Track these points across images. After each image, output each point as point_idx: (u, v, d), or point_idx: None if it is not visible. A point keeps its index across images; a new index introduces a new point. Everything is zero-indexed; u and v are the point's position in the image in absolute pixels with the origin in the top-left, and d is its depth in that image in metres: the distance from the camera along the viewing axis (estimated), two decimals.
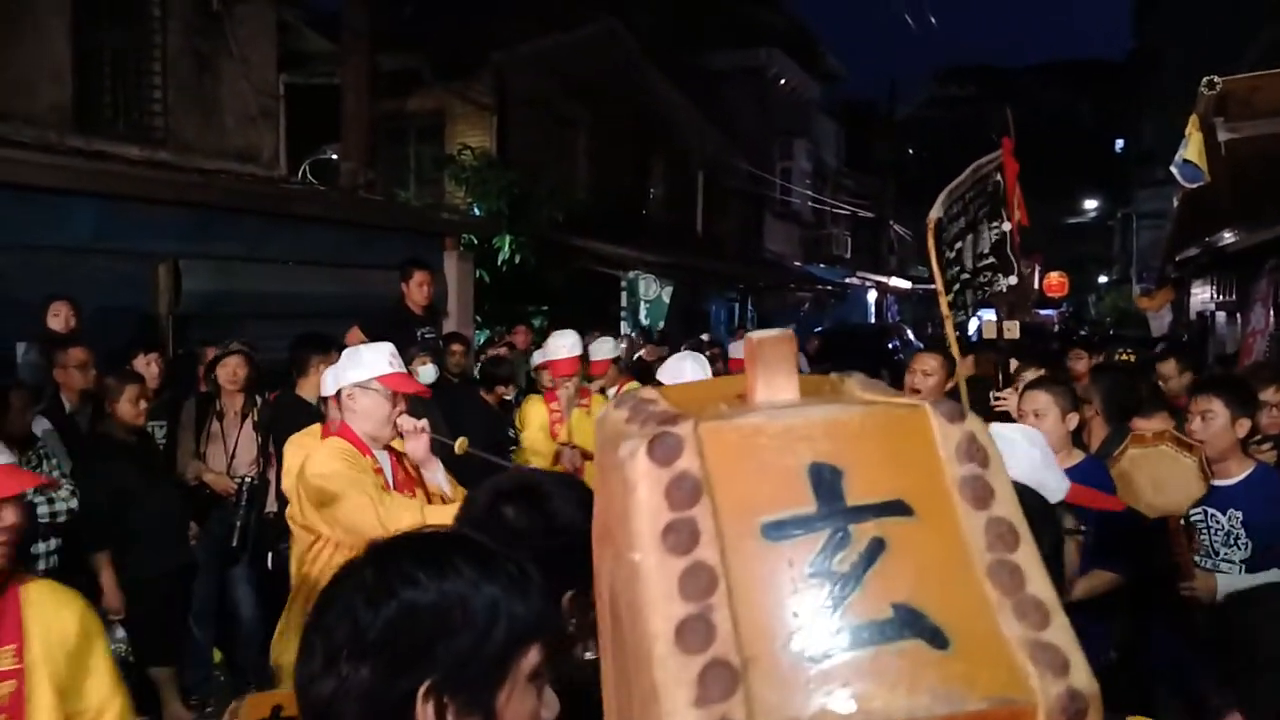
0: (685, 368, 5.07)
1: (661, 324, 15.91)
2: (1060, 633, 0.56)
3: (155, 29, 8.63)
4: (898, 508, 0.58)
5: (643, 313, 15.93)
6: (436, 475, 3.25)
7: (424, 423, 3.22)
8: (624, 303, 16.20)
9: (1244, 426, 3.77)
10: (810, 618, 0.54)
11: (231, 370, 5.36)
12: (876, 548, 0.56)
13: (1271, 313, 11.95)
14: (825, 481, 0.58)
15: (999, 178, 5.83)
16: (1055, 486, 1.89)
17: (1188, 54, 19.61)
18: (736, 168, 23.00)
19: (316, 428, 3.94)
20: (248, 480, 5.26)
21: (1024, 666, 0.54)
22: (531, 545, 1.56)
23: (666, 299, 16.27)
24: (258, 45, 9.53)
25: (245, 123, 9.35)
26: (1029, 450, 1.89)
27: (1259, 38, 15.05)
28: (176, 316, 7.49)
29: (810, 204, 28.82)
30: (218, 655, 5.64)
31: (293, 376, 5.15)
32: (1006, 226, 5.72)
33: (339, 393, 3.17)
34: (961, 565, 0.57)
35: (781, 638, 0.53)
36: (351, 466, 2.99)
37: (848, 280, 29.34)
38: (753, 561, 0.55)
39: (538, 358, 7.37)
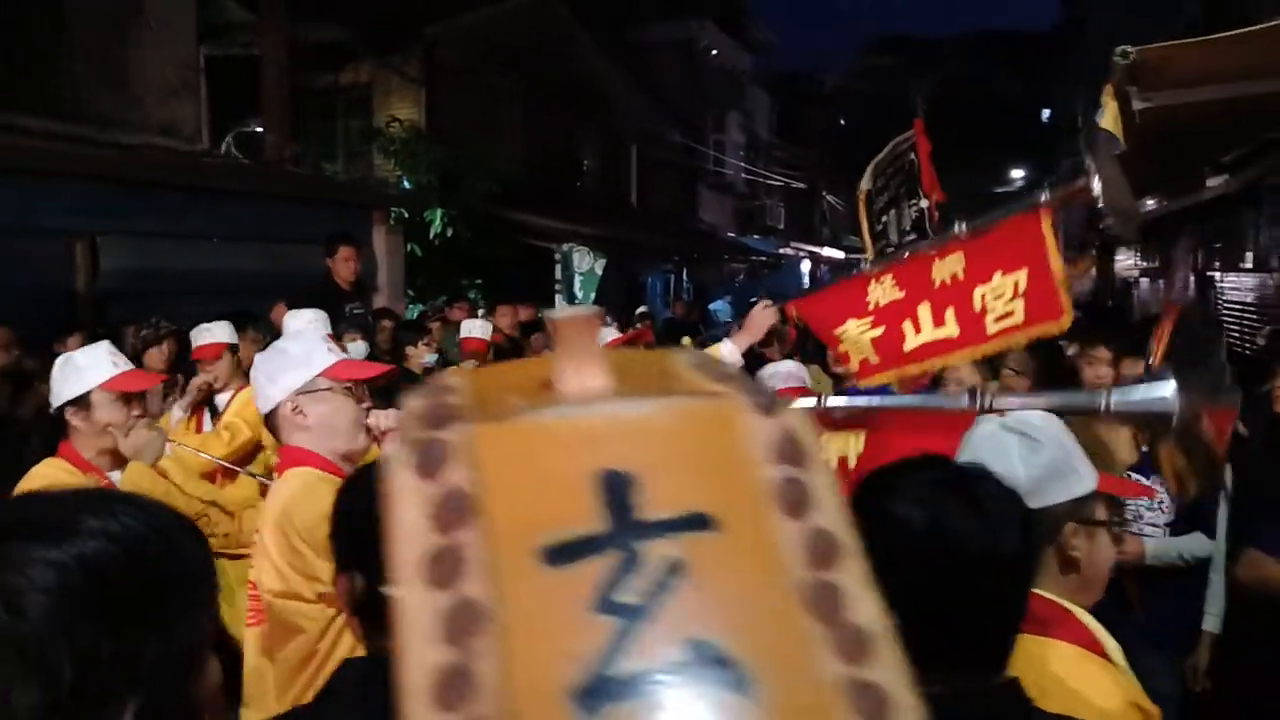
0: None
1: (594, 296, 15.90)
2: (885, 669, 0.47)
3: None
4: (700, 521, 0.49)
5: (577, 285, 15.90)
6: None
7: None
8: (558, 275, 16.15)
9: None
10: (592, 661, 0.45)
11: (164, 353, 5.22)
12: (673, 571, 0.48)
13: (1191, 277, 12.36)
14: (616, 492, 0.49)
15: (913, 156, 5.97)
16: (1087, 474, 1.74)
17: (1113, 26, 20.02)
18: (669, 139, 22.99)
19: (250, 483, 3.34)
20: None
21: (841, 714, 0.46)
22: None
23: (600, 271, 16.25)
24: (176, 15, 9.26)
25: (165, 95, 9.10)
26: (1063, 442, 1.74)
27: (1183, 10, 15.39)
28: (96, 295, 7.30)
29: (743, 175, 28.94)
30: None
31: None
32: (924, 204, 5.86)
33: (274, 411, 2.41)
34: (773, 588, 0.49)
35: (557, 687, 0.45)
36: None
37: (781, 251, 29.56)
38: (530, 594, 0.47)
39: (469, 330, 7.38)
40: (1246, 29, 5.49)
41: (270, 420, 2.45)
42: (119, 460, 2.93)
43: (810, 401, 2.60)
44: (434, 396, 0.54)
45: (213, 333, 4.55)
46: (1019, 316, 2.57)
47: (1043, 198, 2.46)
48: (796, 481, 0.52)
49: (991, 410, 2.05)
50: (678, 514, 0.49)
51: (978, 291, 2.63)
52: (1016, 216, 2.58)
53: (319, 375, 2.40)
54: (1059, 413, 2.07)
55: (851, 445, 2.55)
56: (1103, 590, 1.75)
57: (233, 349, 4.55)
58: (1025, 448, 1.69)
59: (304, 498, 2.16)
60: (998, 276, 2.59)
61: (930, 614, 1.21)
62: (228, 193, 8.60)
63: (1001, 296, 2.58)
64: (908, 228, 5.95)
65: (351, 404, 2.43)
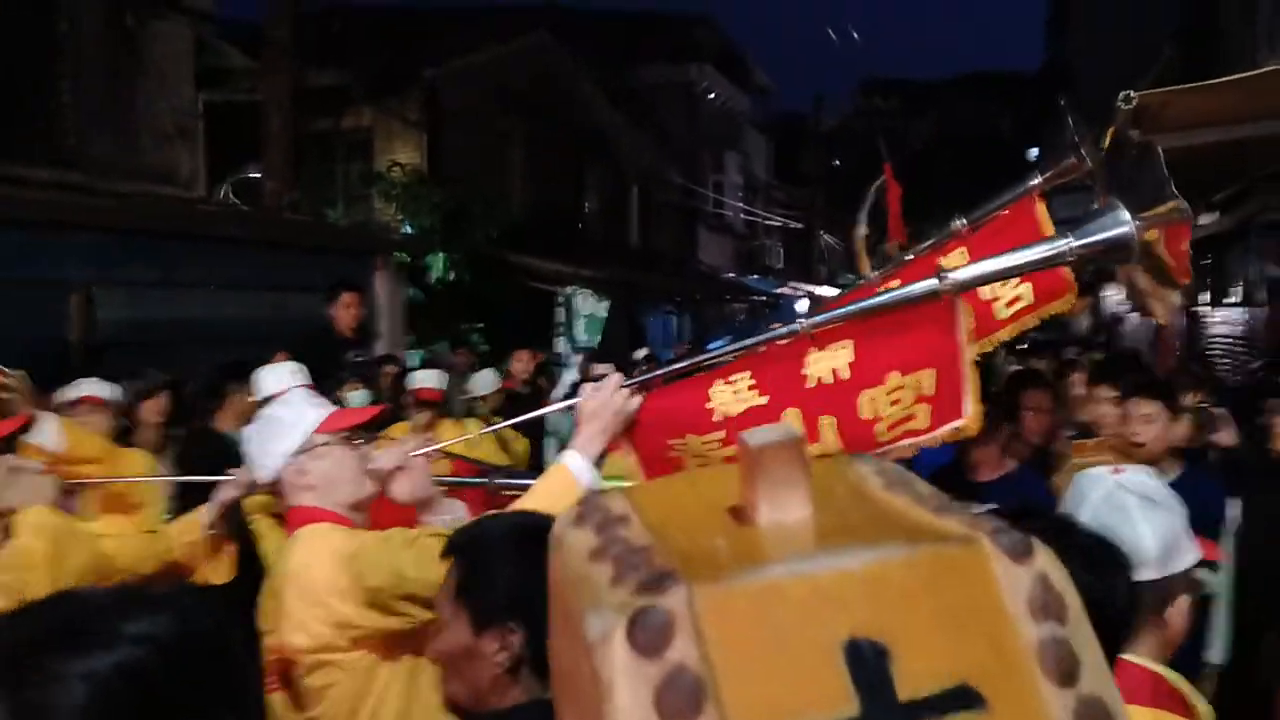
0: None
1: (598, 339, 15.77)
2: None
3: (65, 45, 8.25)
4: (965, 697, 0.44)
5: (580, 328, 15.78)
6: (442, 510, 2.43)
7: (411, 444, 2.48)
8: (560, 319, 16.03)
9: (1176, 431, 3.84)
10: None
11: (160, 405, 5.05)
12: None
13: (1184, 316, 12.38)
14: (867, 665, 0.44)
15: (881, 201, 6.08)
16: (1192, 543, 1.69)
17: (1096, 67, 20.29)
18: (670, 181, 23.02)
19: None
20: (165, 518, 4.98)
21: None
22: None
23: (603, 314, 16.13)
24: (174, 62, 9.18)
25: (162, 142, 8.99)
26: (1177, 506, 1.68)
27: (1162, 53, 15.67)
28: (91, 346, 7.13)
29: (742, 216, 29.01)
30: None
31: (208, 408, 4.89)
32: (885, 247, 5.90)
33: (277, 479, 2.36)
34: None
35: None
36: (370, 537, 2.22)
37: (780, 290, 29.56)
38: None
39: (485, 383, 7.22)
40: (1241, 75, 5.47)
41: (274, 488, 2.42)
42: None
43: (786, 329, 2.14)
44: (607, 531, 0.48)
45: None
46: (923, 421, 2.08)
47: (950, 280, 1.98)
48: (1062, 642, 0.47)
49: (956, 285, 1.99)
50: (940, 689, 0.44)
51: (865, 395, 2.08)
52: (923, 303, 2.05)
53: (314, 432, 2.35)
54: (1027, 269, 2.13)
55: (841, 359, 2.09)
56: None
57: None
58: (1147, 511, 1.62)
59: (319, 551, 2.17)
60: (893, 377, 2.06)
61: None
62: (226, 240, 8.47)
63: (899, 402, 2.07)
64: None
65: (351, 454, 2.37)
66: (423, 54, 13.42)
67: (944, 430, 2.07)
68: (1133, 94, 4.20)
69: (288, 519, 2.39)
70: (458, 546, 1.70)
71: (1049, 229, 2.14)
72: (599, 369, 12.90)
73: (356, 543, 2.17)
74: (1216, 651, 3.46)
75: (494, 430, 5.69)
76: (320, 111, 12.37)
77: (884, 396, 2.07)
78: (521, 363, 8.21)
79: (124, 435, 5.16)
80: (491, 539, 1.67)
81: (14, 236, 6.70)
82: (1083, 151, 2.19)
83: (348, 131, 13.45)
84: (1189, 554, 1.65)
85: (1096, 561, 1.28)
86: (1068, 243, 2.02)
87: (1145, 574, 1.57)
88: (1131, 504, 1.64)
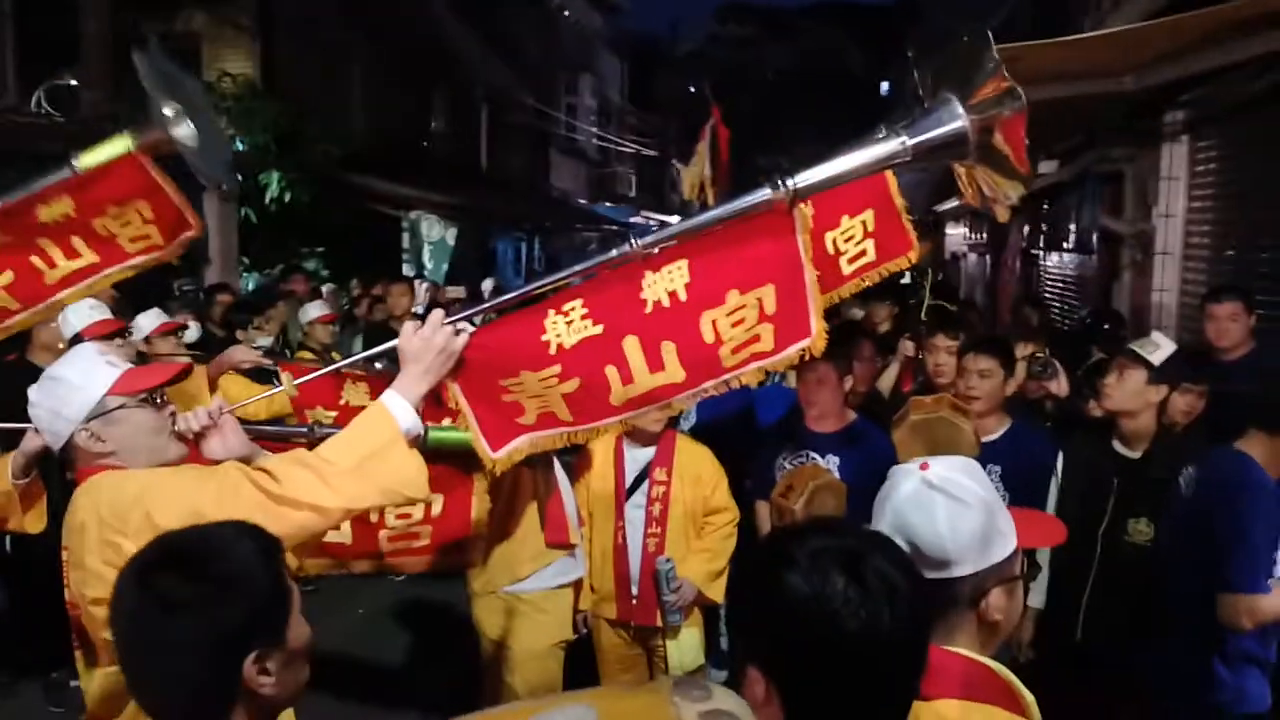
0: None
1: (445, 267, 15.47)
2: None
3: None
4: None
5: (426, 255, 15.43)
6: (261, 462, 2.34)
7: (218, 403, 2.32)
8: (406, 244, 15.62)
9: (1011, 385, 4.03)
10: None
11: None
12: None
13: (1018, 259, 13.01)
14: None
15: (713, 143, 6.13)
16: (1010, 532, 1.66)
17: (948, 2, 20.70)
18: (522, 103, 22.53)
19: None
20: None
21: None
22: (199, 614, 1.42)
23: (451, 241, 15.82)
24: None
25: None
26: (989, 501, 1.64)
27: None
28: None
29: (595, 141, 28.73)
30: None
31: (18, 339, 4.60)
32: (712, 191, 5.99)
33: (68, 444, 2.16)
34: None
35: None
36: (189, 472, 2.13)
37: (632, 219, 29.56)
38: None
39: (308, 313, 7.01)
40: (1090, 34, 5.76)
41: (65, 454, 2.20)
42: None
43: (630, 247, 2.04)
44: None
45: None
46: (768, 343, 2.02)
47: (786, 187, 1.97)
48: None
49: (790, 192, 1.94)
50: None
51: (706, 317, 2.02)
52: (759, 215, 1.99)
53: (106, 395, 2.15)
54: (868, 170, 2.05)
55: (678, 280, 2.01)
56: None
57: None
58: (953, 511, 1.60)
59: (103, 493, 2.03)
60: (733, 296, 2.00)
61: (816, 688, 1.25)
62: (42, 156, 7.83)
63: (742, 322, 2.01)
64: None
65: (152, 415, 2.20)
66: None
67: (791, 350, 2.02)
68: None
69: (77, 478, 2.18)
70: None
71: (807, 255, 1.98)
72: (450, 291, 12.71)
73: (143, 479, 2.06)
74: (1036, 597, 3.65)
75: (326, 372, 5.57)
76: (143, 11, 11.50)
77: (725, 318, 2.00)
78: (405, 297, 8.12)
79: None
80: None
81: None
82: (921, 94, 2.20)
83: (174, 36, 12.54)
84: (1003, 546, 1.63)
85: (865, 576, 1.26)
86: (902, 141, 1.98)
87: (955, 571, 1.59)
88: (937, 502, 1.61)
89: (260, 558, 1.49)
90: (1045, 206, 11.23)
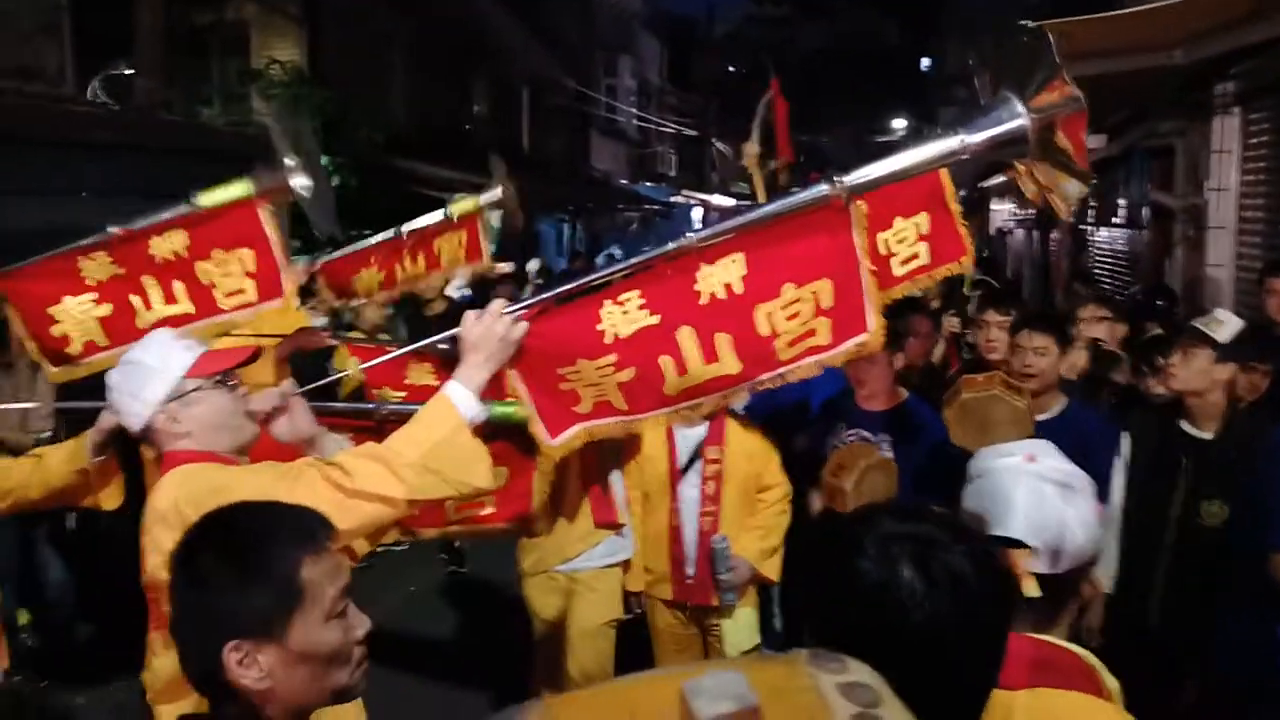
0: None
1: (492, 248, 15.57)
2: None
3: None
4: None
5: None
6: (328, 446, 2.40)
7: (287, 385, 2.38)
8: None
9: (1066, 362, 3.98)
10: None
11: None
12: None
13: (1067, 234, 12.83)
14: None
15: (769, 117, 6.10)
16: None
17: None
18: (562, 85, 22.54)
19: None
20: (44, 436, 4.87)
21: None
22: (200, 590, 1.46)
23: (495, 222, 15.90)
24: None
25: (23, 36, 8.39)
26: (1090, 490, 1.65)
27: None
28: None
29: (635, 122, 28.70)
30: (24, 617, 5.33)
31: None
32: (774, 164, 5.97)
33: (147, 427, 2.24)
34: None
35: None
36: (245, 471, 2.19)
37: (673, 199, 29.52)
38: None
39: None
40: (1142, 8, 5.70)
41: (145, 436, 2.28)
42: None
43: (686, 239, 2.06)
44: None
45: None
46: (824, 337, 2.04)
47: (842, 183, 1.98)
48: None
49: (847, 189, 1.94)
50: None
51: (761, 310, 2.04)
52: (815, 210, 2.00)
53: (184, 377, 2.22)
54: (925, 168, 2.06)
55: (733, 273, 2.03)
56: None
57: None
58: (1078, 506, 1.59)
59: (188, 485, 2.08)
60: (788, 289, 2.02)
61: (886, 676, 1.21)
62: (97, 144, 8.01)
63: (798, 316, 2.02)
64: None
65: (227, 396, 2.26)
66: None
67: (847, 345, 2.03)
68: (1031, 25, 4.33)
69: (162, 463, 2.26)
70: None
71: (863, 251, 2.00)
72: (500, 267, 12.80)
73: (225, 474, 2.12)
74: (1105, 581, 3.60)
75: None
76: (194, 4, 11.67)
77: (780, 311, 2.02)
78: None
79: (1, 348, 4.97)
80: None
81: None
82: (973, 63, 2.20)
83: (224, 25, 12.72)
84: (1100, 535, 1.66)
85: (931, 566, 1.25)
86: (960, 138, 1.97)
87: (1063, 564, 1.59)
88: (1049, 493, 1.61)
89: (283, 555, 1.47)
90: (1094, 181, 11.09)
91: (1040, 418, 3.74)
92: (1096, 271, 10.85)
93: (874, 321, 2.01)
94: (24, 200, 7.27)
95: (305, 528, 1.53)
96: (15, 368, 4.95)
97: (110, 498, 3.03)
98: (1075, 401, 3.94)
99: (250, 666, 1.43)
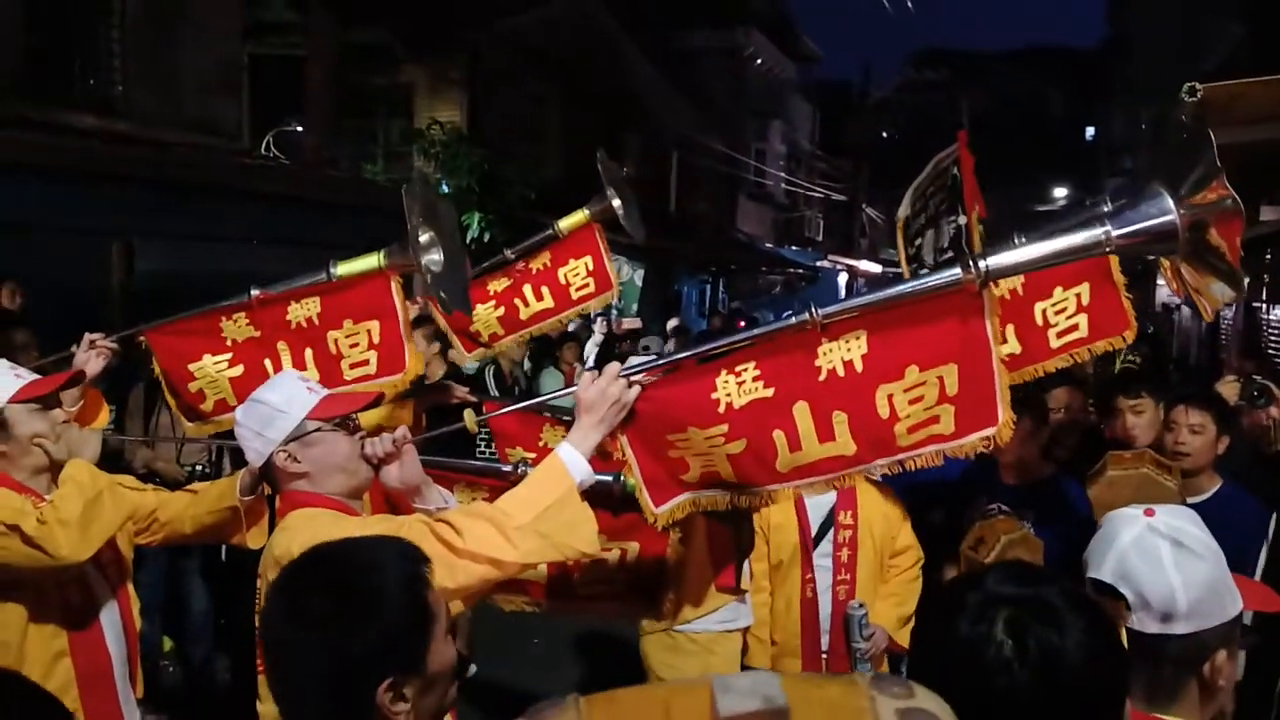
0: None
1: (635, 307, 15.77)
2: None
3: None
4: None
5: (615, 294, 15.80)
6: (432, 498, 2.42)
7: (401, 432, 2.39)
8: None
9: (1224, 443, 3.71)
10: None
11: None
12: None
13: (1241, 310, 12.07)
14: None
15: (956, 171, 5.91)
16: (1237, 591, 1.55)
17: (1160, 44, 19.61)
18: (710, 148, 22.82)
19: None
20: (198, 469, 5.08)
21: None
22: (330, 633, 1.39)
23: (639, 281, 16.12)
24: (221, 13, 9.23)
25: (206, 93, 9.06)
26: (1218, 553, 1.55)
27: (1230, 32, 15.13)
28: (130, 296, 7.24)
29: (783, 185, 28.75)
30: (168, 644, 5.52)
31: None
32: (963, 220, 5.76)
33: (268, 464, 2.30)
34: None
35: None
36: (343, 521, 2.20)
37: (819, 263, 29.33)
38: None
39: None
40: None
41: (265, 473, 2.37)
42: (55, 476, 2.71)
43: (797, 319, 2.02)
44: None
45: None
46: (947, 425, 1.95)
47: (978, 268, 1.90)
48: None
49: (982, 274, 1.86)
50: None
51: (883, 391, 1.96)
52: (946, 294, 1.92)
53: (305, 418, 2.27)
54: (1065, 259, 1.97)
55: (855, 351, 1.97)
56: None
57: None
58: (1182, 560, 1.49)
59: (304, 534, 2.08)
60: (912, 371, 1.94)
61: None
62: (268, 195, 8.53)
63: (921, 400, 1.94)
64: (945, 244, 5.82)
65: (344, 440, 2.30)
66: (467, 14, 13.36)
67: (973, 438, 1.94)
68: (1198, 86, 4.07)
69: (280, 504, 2.32)
70: None
71: (994, 339, 1.91)
72: (627, 323, 12.88)
73: (336, 525, 2.13)
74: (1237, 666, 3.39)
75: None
76: (363, 67, 12.36)
77: (903, 394, 1.94)
78: None
79: (156, 386, 5.25)
80: None
81: (57, 184, 6.79)
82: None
83: (390, 88, 13.44)
84: (1234, 603, 1.52)
85: (1027, 637, 1.19)
86: (1106, 230, 1.89)
87: (1176, 627, 1.48)
88: (1163, 549, 1.51)
89: (405, 581, 1.45)
90: (1268, 256, 10.42)
91: (1193, 500, 3.48)
92: (1271, 350, 10.14)
93: (1004, 414, 1.92)
94: (203, 246, 7.78)
95: (405, 550, 1.53)
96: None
97: (256, 537, 3.05)
98: (1229, 485, 3.68)
99: (397, 701, 1.41)
